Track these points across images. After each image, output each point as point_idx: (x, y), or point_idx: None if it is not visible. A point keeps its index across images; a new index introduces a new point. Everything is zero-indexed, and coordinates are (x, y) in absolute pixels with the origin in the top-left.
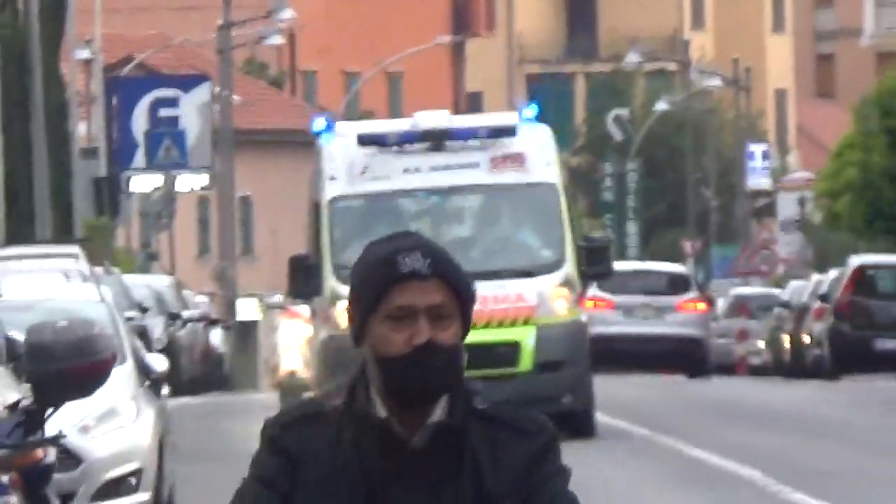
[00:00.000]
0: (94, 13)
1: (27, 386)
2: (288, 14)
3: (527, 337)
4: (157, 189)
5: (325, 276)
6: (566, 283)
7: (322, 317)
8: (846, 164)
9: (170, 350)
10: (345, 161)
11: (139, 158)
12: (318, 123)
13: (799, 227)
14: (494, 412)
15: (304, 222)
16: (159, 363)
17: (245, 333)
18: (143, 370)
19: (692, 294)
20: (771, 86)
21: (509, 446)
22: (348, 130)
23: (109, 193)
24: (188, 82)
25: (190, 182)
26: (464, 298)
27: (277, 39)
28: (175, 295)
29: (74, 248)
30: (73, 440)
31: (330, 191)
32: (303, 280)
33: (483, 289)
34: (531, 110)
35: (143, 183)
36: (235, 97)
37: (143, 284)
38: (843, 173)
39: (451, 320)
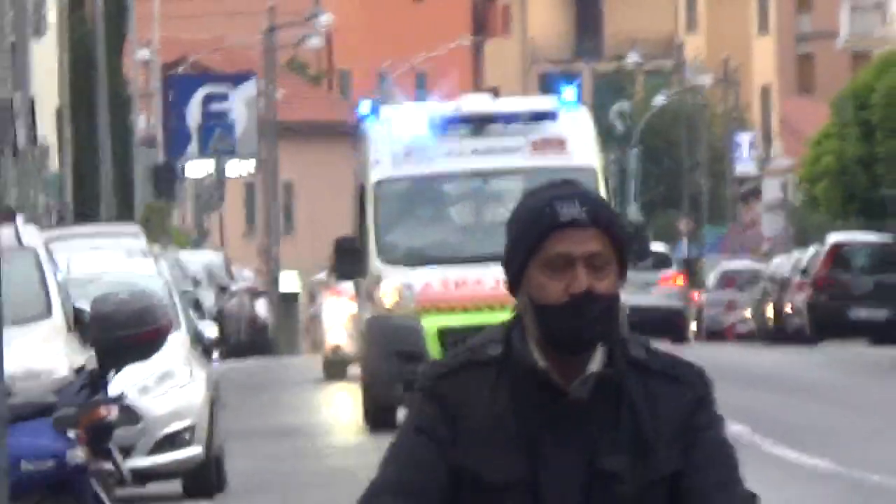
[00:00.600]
0: (152, 18)
1: (92, 351)
2: (325, 19)
3: None
4: (209, 174)
5: (370, 257)
6: None
7: (366, 296)
8: (824, 153)
9: (220, 319)
10: (389, 145)
11: (192, 147)
12: (364, 108)
13: (782, 208)
14: (651, 361)
15: (349, 205)
16: (211, 331)
17: (287, 303)
18: (197, 337)
19: (672, 270)
20: (757, 82)
21: (667, 395)
22: (392, 115)
23: (166, 178)
24: (237, 79)
25: (238, 168)
26: (621, 248)
27: (316, 41)
28: (224, 269)
29: (135, 228)
30: (134, 399)
31: (375, 174)
32: (348, 261)
33: None
34: (571, 92)
35: (196, 169)
36: (279, 92)
37: (195, 260)
38: (821, 161)
39: (608, 269)
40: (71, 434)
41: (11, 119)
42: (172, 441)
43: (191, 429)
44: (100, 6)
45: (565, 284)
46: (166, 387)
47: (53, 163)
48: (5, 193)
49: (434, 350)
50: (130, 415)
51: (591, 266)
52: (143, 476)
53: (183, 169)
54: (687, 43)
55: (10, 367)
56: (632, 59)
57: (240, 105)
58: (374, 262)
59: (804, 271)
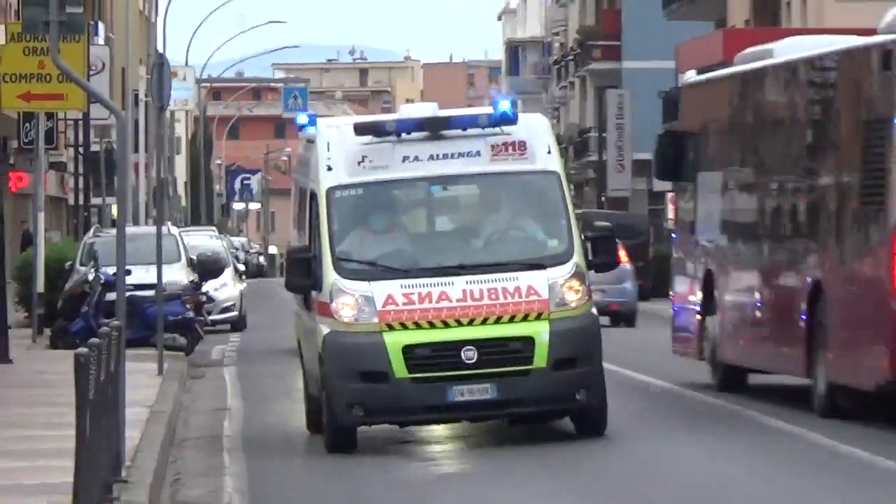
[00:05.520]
0: (222, 146)
1: (196, 274)
2: (289, 149)
3: (541, 332)
4: (243, 207)
5: (325, 269)
6: (577, 274)
7: (321, 311)
8: None
9: (245, 263)
10: (342, 150)
11: (236, 197)
12: (302, 118)
13: None
14: None
15: (294, 212)
16: (241, 268)
17: (271, 259)
18: (236, 269)
19: None
20: None
21: None
22: (342, 122)
23: (226, 209)
24: (254, 172)
25: (254, 205)
26: None
27: (285, 157)
28: (248, 244)
29: (213, 228)
30: (212, 293)
31: (327, 181)
32: (302, 273)
33: (494, 281)
34: (506, 104)
35: (238, 206)
36: (269, 178)
37: (237, 240)
38: None
39: None
40: (188, 305)
41: (168, 186)
42: (227, 309)
43: (233, 304)
44: (200, 141)
45: None
46: (225, 287)
47: (183, 202)
48: (166, 214)
49: (399, 369)
50: (210, 298)
51: None
52: (215, 323)
53: (232, 205)
54: None
55: (164, 280)
56: None
57: (255, 182)
58: (330, 274)
59: None
